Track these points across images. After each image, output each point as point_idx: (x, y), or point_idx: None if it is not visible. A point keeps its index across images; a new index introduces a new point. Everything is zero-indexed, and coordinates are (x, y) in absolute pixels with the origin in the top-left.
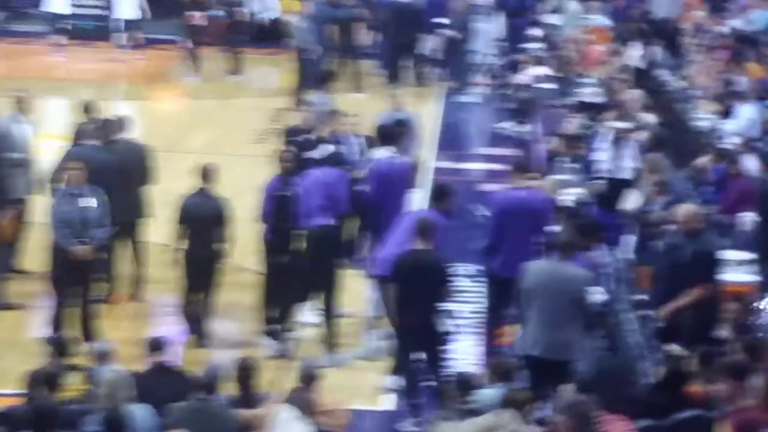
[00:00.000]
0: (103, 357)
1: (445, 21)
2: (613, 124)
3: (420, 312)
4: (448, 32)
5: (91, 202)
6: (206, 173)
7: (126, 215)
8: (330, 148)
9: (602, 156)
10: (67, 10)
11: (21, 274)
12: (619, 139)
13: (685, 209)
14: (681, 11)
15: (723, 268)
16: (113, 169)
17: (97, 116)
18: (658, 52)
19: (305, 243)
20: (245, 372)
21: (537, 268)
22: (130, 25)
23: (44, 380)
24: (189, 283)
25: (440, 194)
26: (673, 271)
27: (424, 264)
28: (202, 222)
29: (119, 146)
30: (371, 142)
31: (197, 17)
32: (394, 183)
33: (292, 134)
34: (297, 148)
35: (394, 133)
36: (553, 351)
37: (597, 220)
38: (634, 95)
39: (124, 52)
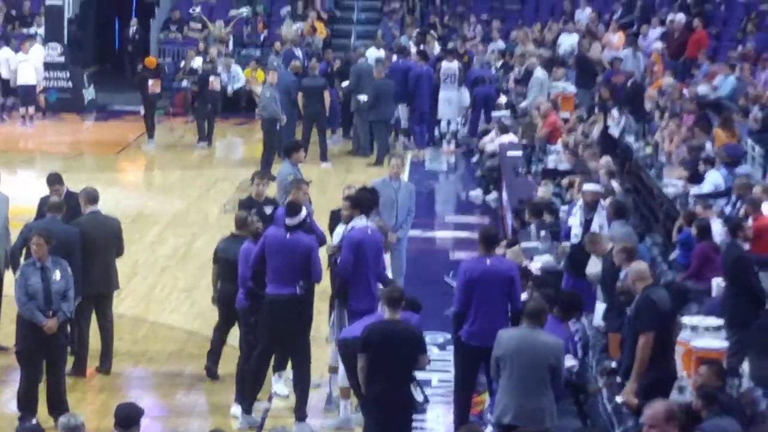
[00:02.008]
0: (72, 431)
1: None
2: (585, 188)
3: (390, 383)
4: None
5: (55, 275)
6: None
7: (94, 288)
8: (302, 216)
9: (573, 222)
10: (33, 81)
11: None
12: (589, 204)
13: (635, 267)
14: (645, 77)
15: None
16: (77, 242)
17: (61, 188)
18: (624, 118)
19: (273, 311)
20: None
21: (509, 336)
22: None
23: None
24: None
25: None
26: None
27: (394, 334)
28: (232, 265)
29: (87, 219)
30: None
31: (151, 85)
32: (368, 251)
33: (245, 206)
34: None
35: (371, 202)
36: (525, 419)
37: (573, 293)
38: (602, 161)
39: (91, 124)
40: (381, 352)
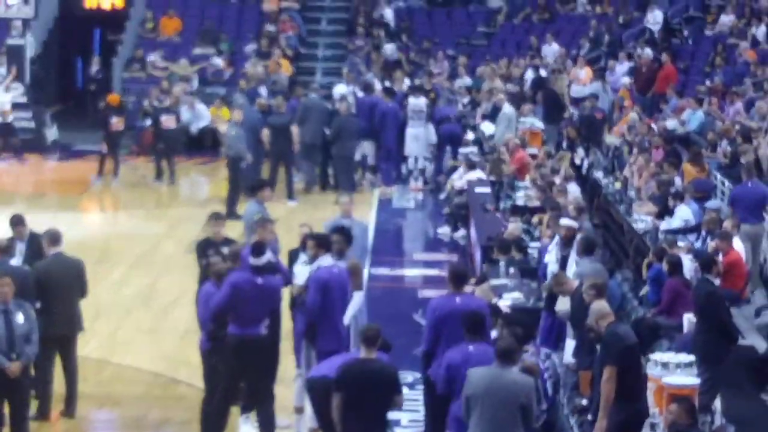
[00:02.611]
0: None
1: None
2: (561, 223)
3: (365, 422)
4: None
5: (18, 317)
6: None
7: (57, 329)
8: (267, 256)
9: (550, 258)
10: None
11: None
12: (564, 240)
13: (595, 307)
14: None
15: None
16: (40, 285)
17: (24, 229)
18: (592, 155)
19: (238, 352)
20: None
21: (479, 375)
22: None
23: None
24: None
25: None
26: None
27: (371, 373)
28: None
29: (49, 260)
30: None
31: (114, 122)
32: (335, 291)
33: (202, 247)
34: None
35: (329, 240)
36: None
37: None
38: (570, 198)
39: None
40: (356, 392)
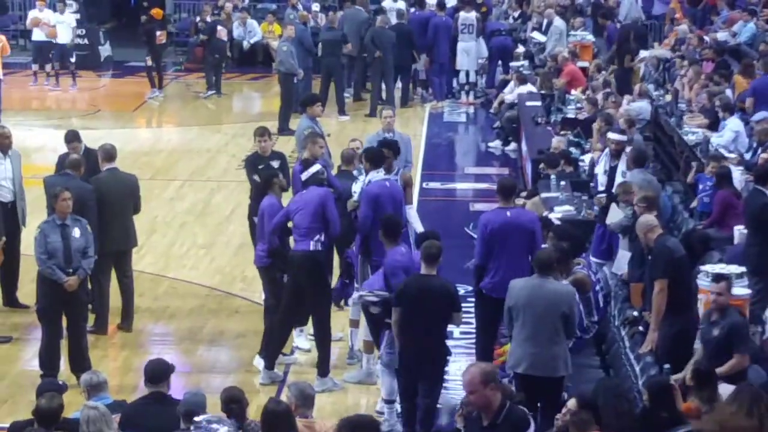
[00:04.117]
0: (95, 388)
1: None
2: (609, 136)
3: (423, 337)
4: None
5: (75, 232)
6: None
7: (113, 245)
8: (315, 169)
9: (599, 170)
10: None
11: (14, 306)
12: (614, 153)
13: (642, 220)
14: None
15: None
16: (95, 200)
17: (79, 146)
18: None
19: (293, 267)
20: (230, 404)
21: (520, 287)
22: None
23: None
24: None
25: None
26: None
27: (429, 289)
28: None
29: (104, 176)
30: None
31: (159, 35)
32: (387, 205)
33: (251, 163)
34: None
35: (382, 155)
36: (539, 368)
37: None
38: (621, 110)
39: (108, 81)
40: (415, 307)
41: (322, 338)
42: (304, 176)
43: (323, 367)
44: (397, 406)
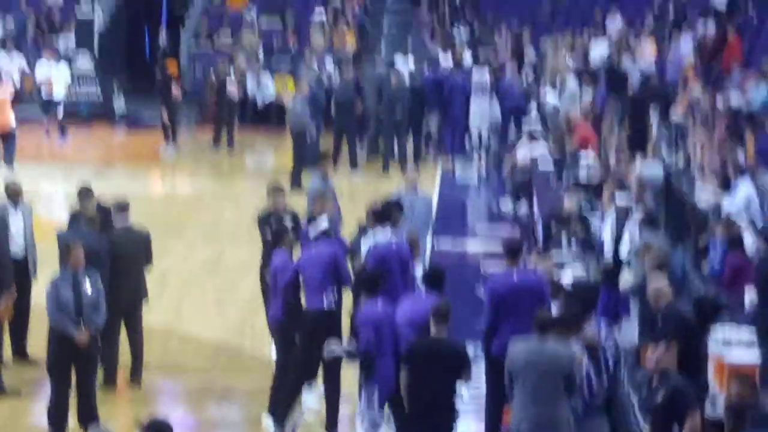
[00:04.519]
0: None
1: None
2: (618, 200)
3: (431, 398)
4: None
5: (87, 286)
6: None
7: (124, 299)
8: (323, 225)
9: (606, 234)
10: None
11: (23, 361)
12: (621, 216)
13: (653, 285)
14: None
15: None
16: (108, 255)
17: (92, 201)
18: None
19: (308, 324)
20: None
21: (519, 348)
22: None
23: None
24: None
25: (435, 278)
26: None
27: (438, 351)
28: None
29: (117, 231)
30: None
31: (174, 89)
32: (392, 263)
33: (264, 220)
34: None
35: (390, 213)
36: (541, 428)
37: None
38: (635, 172)
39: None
40: (424, 368)
41: (333, 395)
42: (312, 233)
43: (332, 423)
44: None
